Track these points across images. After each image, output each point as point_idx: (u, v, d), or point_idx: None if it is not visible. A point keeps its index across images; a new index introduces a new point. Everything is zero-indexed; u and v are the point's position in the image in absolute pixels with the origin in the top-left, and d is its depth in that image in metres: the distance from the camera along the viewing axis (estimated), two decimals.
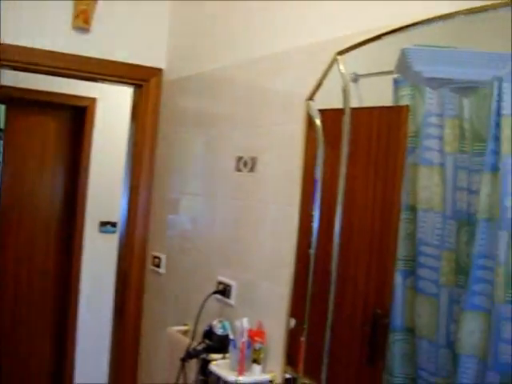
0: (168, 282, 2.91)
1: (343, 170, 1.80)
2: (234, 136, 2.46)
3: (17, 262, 4.75)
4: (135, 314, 3.15)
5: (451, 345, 1.40)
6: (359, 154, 1.80)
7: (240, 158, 2.38)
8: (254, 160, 2.31)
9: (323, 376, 1.89)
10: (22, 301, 4.78)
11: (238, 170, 2.40)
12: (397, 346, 1.57)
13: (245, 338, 2.14)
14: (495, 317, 1.30)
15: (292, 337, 2.03)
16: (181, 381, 2.39)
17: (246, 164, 2.35)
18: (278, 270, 2.13)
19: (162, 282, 2.96)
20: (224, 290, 2.39)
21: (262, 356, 2.14)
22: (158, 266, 2.97)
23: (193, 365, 2.38)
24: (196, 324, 2.41)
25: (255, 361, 2.13)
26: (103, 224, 4.62)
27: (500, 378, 1.28)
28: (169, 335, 2.62)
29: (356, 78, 1.80)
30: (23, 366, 4.79)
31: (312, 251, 1.92)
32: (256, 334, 2.14)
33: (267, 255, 2.21)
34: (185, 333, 2.61)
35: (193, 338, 2.41)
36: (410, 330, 1.54)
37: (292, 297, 2.04)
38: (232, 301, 2.37)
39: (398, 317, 1.58)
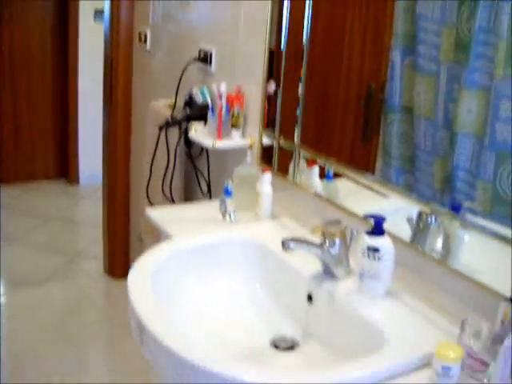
0: (153, 58, 2.83)
1: None
2: None
3: (14, 57, 4.67)
4: (125, 96, 3.10)
5: (449, 124, 1.36)
6: None
7: None
8: None
9: (296, 138, 1.87)
10: (21, 96, 4.77)
11: None
12: (394, 125, 1.53)
13: (223, 103, 2.09)
14: (494, 94, 1.25)
15: (271, 101, 1.97)
16: (163, 149, 2.40)
17: None
18: (259, 27, 2.01)
19: (148, 59, 2.87)
20: (205, 57, 2.31)
21: (240, 121, 2.11)
22: (144, 41, 2.87)
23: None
24: (176, 94, 2.36)
25: (234, 126, 2.10)
26: (98, 13, 4.46)
27: (495, 157, 1.27)
28: (153, 108, 2.58)
29: None
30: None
31: None
32: (235, 99, 2.09)
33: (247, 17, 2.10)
34: (170, 106, 2.57)
35: (174, 109, 2.37)
36: (408, 110, 1.49)
37: (269, 58, 1.96)
38: (212, 68, 2.29)
39: (395, 96, 1.52)
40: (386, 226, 1.38)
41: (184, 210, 2.04)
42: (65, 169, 4.98)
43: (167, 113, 2.42)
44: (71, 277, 3.57)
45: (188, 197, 2.53)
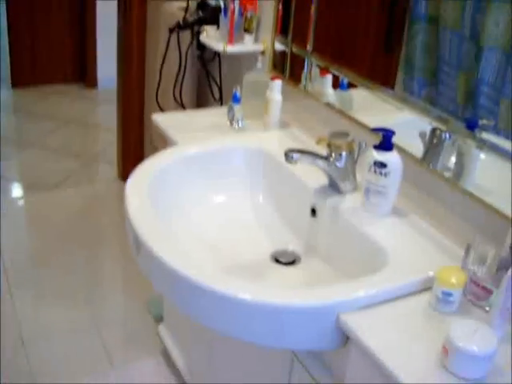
0: None
1: None
2: None
3: None
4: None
5: (476, 37, 1.25)
6: None
7: None
8: None
9: (310, 44, 1.77)
10: None
11: None
12: (419, 36, 1.41)
13: (236, 5, 1.98)
14: None
15: (285, 4, 1.86)
16: (175, 53, 2.31)
17: None
18: None
19: None
20: None
21: (253, 25, 2.00)
22: None
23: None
24: None
25: (247, 30, 2.00)
26: None
27: None
28: (166, 10, 2.47)
29: None
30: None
31: None
32: (248, 1, 1.98)
33: None
34: (183, 9, 2.46)
35: (186, 11, 2.26)
36: (434, 20, 1.37)
37: None
38: None
39: (421, 4, 1.40)
40: (396, 140, 1.30)
41: (192, 116, 1.97)
42: (83, 72, 4.88)
43: (180, 15, 2.31)
44: (85, 181, 3.56)
45: (199, 103, 2.45)
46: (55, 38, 4.74)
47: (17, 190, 3.46)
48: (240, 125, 1.81)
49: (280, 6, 1.87)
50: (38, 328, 2.35)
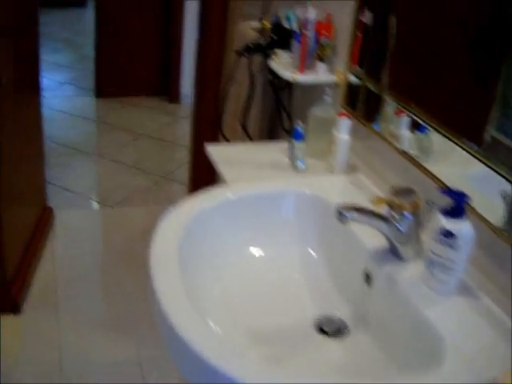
0: None
1: None
2: None
3: None
4: (219, 13, 2.85)
5: None
6: None
7: None
8: None
9: (386, 80, 1.56)
10: (124, 4, 4.62)
11: None
12: None
13: (309, 30, 1.80)
14: None
15: (363, 35, 1.66)
16: (245, 77, 2.15)
17: None
18: None
19: None
20: None
21: (327, 53, 1.81)
22: None
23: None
24: (263, 16, 2.08)
25: (320, 58, 1.82)
26: None
27: None
28: (240, 31, 2.32)
29: None
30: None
31: None
32: (323, 28, 1.80)
33: None
34: (258, 29, 2.31)
35: (261, 32, 2.10)
36: None
37: None
38: None
39: None
40: (471, 196, 1.08)
41: (251, 151, 1.81)
42: (166, 86, 4.84)
43: (253, 36, 2.16)
44: (153, 200, 3.47)
45: (269, 133, 2.28)
46: (141, 51, 4.72)
47: (80, 203, 3.40)
48: (300, 165, 1.62)
49: (358, 35, 1.68)
50: (78, 356, 2.24)
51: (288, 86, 2.11)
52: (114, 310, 2.50)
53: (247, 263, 1.38)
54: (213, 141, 3.15)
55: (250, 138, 2.21)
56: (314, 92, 1.96)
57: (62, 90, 4.97)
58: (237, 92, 2.23)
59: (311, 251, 1.42)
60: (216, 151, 1.71)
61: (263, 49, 2.00)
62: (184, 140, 4.12)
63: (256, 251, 1.40)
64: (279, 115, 2.18)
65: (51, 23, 6.66)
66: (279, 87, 2.15)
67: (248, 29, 2.28)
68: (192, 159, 3.33)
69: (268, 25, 2.07)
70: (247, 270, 1.36)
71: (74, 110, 4.55)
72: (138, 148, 4.06)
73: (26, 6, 2.63)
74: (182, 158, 3.86)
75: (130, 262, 2.81)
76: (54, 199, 3.19)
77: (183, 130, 4.40)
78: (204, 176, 3.26)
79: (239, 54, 2.03)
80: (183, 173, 3.63)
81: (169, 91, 4.82)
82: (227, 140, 2.24)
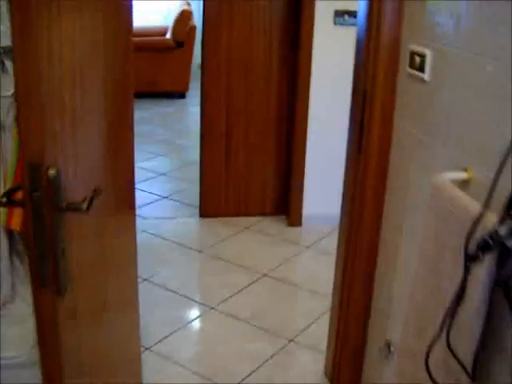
0: (436, 94, 1.73)
1: None
2: None
3: (232, 67, 3.92)
4: (379, 143, 2.06)
5: None
6: None
7: None
8: None
9: None
10: (237, 113, 3.98)
11: None
12: None
13: None
14: None
15: None
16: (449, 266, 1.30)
17: None
18: None
19: (426, 94, 1.78)
20: None
21: None
22: (420, 68, 1.79)
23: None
24: (499, 170, 1.25)
25: None
26: (339, 14, 3.60)
27: None
28: (435, 187, 1.50)
29: None
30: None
31: None
32: None
33: None
34: (463, 184, 1.49)
35: (487, 204, 1.26)
36: None
37: None
38: None
39: None
40: None
41: None
42: (285, 206, 4.08)
43: (463, 201, 1.35)
44: (277, 373, 2.61)
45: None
46: (254, 163, 4.03)
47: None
48: None
49: None
50: None
51: None
52: None
53: None
54: (364, 314, 2.31)
55: (459, 363, 1.35)
56: None
57: (160, 207, 4.32)
58: (441, 283, 1.38)
59: None
60: None
61: (504, 240, 1.16)
62: (312, 283, 3.28)
63: None
64: None
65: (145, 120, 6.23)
66: None
67: (448, 184, 1.47)
68: (334, 329, 2.47)
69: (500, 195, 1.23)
70: None
71: (174, 235, 3.85)
72: (248, 293, 3.21)
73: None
74: (316, 310, 3.01)
75: None
76: None
77: (310, 267, 3.55)
78: (350, 362, 2.40)
79: (469, 259, 1.18)
80: (316, 332, 2.79)
81: (288, 212, 4.03)
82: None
